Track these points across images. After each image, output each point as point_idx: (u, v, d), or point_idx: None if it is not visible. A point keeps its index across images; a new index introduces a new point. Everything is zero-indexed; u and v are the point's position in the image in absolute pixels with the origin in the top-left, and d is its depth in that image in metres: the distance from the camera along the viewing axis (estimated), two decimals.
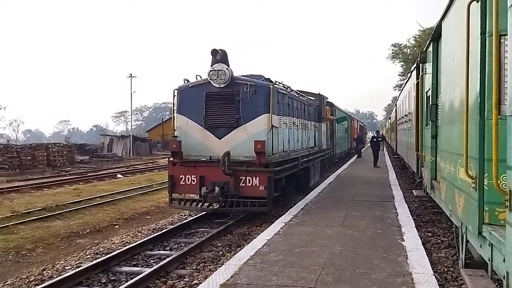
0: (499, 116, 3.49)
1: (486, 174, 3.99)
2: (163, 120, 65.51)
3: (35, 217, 11.19)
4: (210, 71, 9.33)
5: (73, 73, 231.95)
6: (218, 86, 9.38)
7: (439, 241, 7.40)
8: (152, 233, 8.89)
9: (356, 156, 27.43)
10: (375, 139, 21.95)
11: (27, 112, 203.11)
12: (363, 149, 29.42)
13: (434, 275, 5.01)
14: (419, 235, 7.05)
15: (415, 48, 35.76)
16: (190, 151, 9.52)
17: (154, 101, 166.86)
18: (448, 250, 6.82)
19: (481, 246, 4.32)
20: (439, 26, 6.77)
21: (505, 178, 3.33)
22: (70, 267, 6.87)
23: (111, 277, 6.34)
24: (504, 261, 3.44)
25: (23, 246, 8.59)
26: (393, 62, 44.21)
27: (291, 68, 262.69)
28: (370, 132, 49.45)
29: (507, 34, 3.26)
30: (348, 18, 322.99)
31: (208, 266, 6.53)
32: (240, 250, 6.50)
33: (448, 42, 6.08)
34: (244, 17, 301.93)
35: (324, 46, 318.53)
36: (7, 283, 6.34)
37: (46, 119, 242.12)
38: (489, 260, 4.07)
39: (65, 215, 11.71)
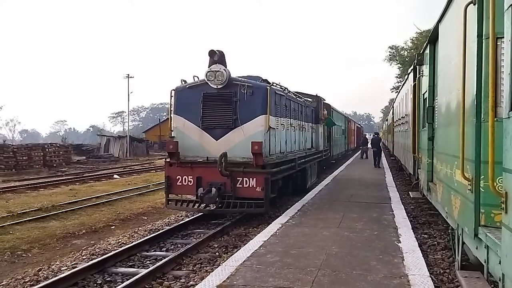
0: (495, 119, 3.51)
1: (482, 176, 4.00)
2: (160, 121, 65.36)
3: (31, 218, 11.14)
4: (208, 72, 9.33)
5: (70, 73, 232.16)
6: (215, 87, 9.37)
7: (435, 243, 7.41)
8: (148, 234, 8.86)
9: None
10: (374, 138, 23.47)
11: (23, 112, 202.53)
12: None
13: (430, 276, 5.02)
14: (415, 236, 7.07)
15: (412, 50, 35.90)
16: (187, 152, 9.50)
17: (152, 101, 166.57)
18: (444, 252, 6.83)
19: (477, 248, 4.33)
20: (436, 29, 6.80)
21: (501, 180, 3.34)
22: (66, 267, 6.84)
23: (107, 278, 6.32)
24: (500, 263, 3.45)
25: (18, 246, 8.55)
26: (391, 64, 44.49)
27: (289, 68, 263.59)
28: (367, 134, 50.09)
29: (503, 37, 3.27)
30: (345, 20, 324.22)
31: (205, 267, 6.52)
32: (236, 251, 6.50)
33: (445, 45, 6.10)
34: (242, 17, 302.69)
35: (322, 48, 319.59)
36: (2, 283, 6.30)
37: (43, 119, 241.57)
38: (485, 262, 4.08)
39: (61, 215, 11.66)
